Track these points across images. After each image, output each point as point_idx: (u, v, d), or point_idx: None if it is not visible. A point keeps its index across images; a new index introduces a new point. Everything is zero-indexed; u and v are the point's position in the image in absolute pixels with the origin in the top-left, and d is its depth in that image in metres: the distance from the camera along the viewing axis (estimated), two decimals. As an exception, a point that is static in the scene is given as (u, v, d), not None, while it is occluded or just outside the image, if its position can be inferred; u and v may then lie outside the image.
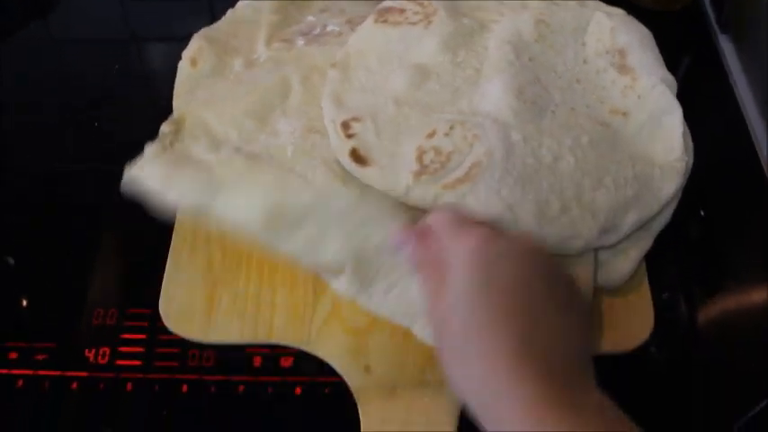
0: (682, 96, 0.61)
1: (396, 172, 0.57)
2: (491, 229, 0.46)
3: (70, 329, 0.57)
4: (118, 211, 0.62)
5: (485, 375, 0.39)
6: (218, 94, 0.66)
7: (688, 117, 0.60)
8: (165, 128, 0.62)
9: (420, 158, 0.57)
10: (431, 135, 0.58)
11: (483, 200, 0.53)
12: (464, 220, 0.47)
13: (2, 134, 0.71)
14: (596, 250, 0.56)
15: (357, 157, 0.58)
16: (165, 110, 0.65)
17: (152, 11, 0.82)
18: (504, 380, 0.38)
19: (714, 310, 0.59)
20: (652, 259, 0.58)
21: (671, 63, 0.64)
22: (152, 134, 0.64)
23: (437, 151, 0.57)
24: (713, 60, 0.76)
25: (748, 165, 0.67)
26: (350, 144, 0.58)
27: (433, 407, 0.53)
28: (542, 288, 0.43)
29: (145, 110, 0.73)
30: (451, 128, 0.58)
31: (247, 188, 0.54)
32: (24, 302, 0.59)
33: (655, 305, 0.56)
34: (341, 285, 0.55)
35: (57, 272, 0.60)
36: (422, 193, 0.55)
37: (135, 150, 0.64)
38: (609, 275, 0.57)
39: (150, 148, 0.60)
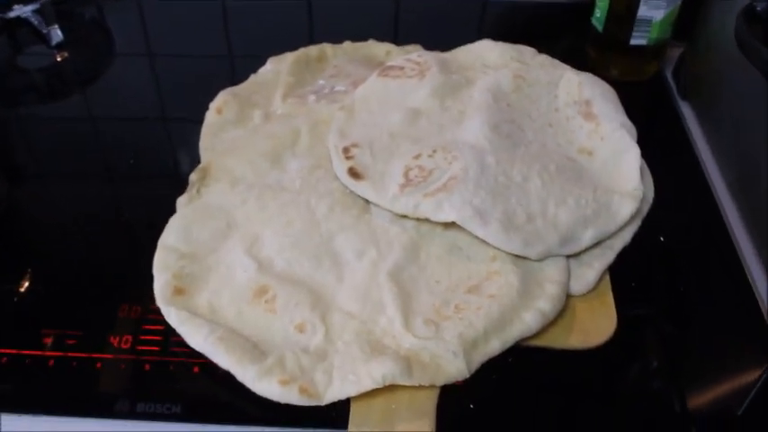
0: (648, 151, 0.69)
1: (385, 185, 0.66)
2: None
3: (98, 321, 0.63)
4: (144, 226, 0.71)
5: None
6: (238, 144, 0.76)
7: (653, 167, 0.69)
8: (193, 176, 0.72)
9: (406, 174, 0.66)
10: (416, 157, 0.67)
11: (457, 206, 0.61)
12: None
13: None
14: (568, 259, 0.63)
15: (354, 173, 0.67)
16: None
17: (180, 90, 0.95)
18: None
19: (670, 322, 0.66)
20: (617, 274, 0.65)
21: (639, 126, 0.72)
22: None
23: (421, 168, 0.66)
24: (676, 123, 0.87)
25: (703, 202, 0.77)
26: (348, 164, 0.68)
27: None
28: None
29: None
30: (434, 151, 0.67)
31: None
32: (61, 299, 0.66)
33: (619, 313, 0.62)
34: None
35: (91, 272, 0.69)
36: (405, 201, 0.64)
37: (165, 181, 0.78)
38: (575, 283, 0.63)
39: (181, 199, 0.70)
